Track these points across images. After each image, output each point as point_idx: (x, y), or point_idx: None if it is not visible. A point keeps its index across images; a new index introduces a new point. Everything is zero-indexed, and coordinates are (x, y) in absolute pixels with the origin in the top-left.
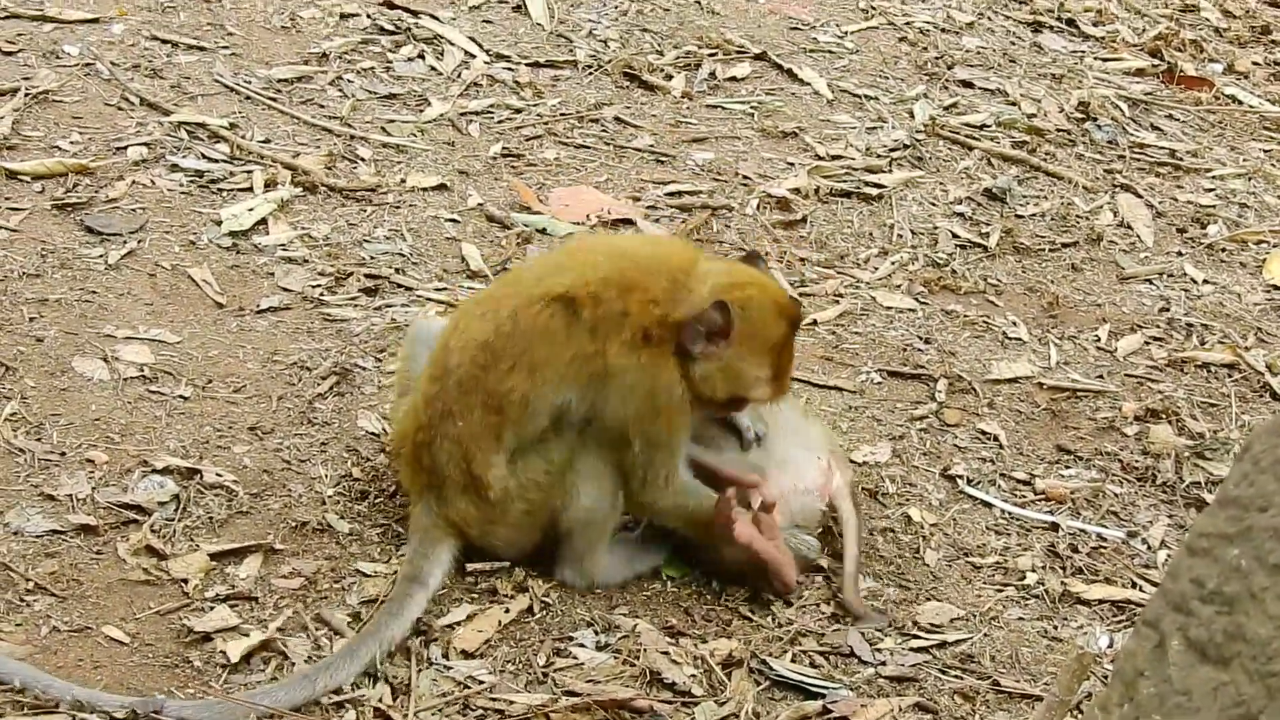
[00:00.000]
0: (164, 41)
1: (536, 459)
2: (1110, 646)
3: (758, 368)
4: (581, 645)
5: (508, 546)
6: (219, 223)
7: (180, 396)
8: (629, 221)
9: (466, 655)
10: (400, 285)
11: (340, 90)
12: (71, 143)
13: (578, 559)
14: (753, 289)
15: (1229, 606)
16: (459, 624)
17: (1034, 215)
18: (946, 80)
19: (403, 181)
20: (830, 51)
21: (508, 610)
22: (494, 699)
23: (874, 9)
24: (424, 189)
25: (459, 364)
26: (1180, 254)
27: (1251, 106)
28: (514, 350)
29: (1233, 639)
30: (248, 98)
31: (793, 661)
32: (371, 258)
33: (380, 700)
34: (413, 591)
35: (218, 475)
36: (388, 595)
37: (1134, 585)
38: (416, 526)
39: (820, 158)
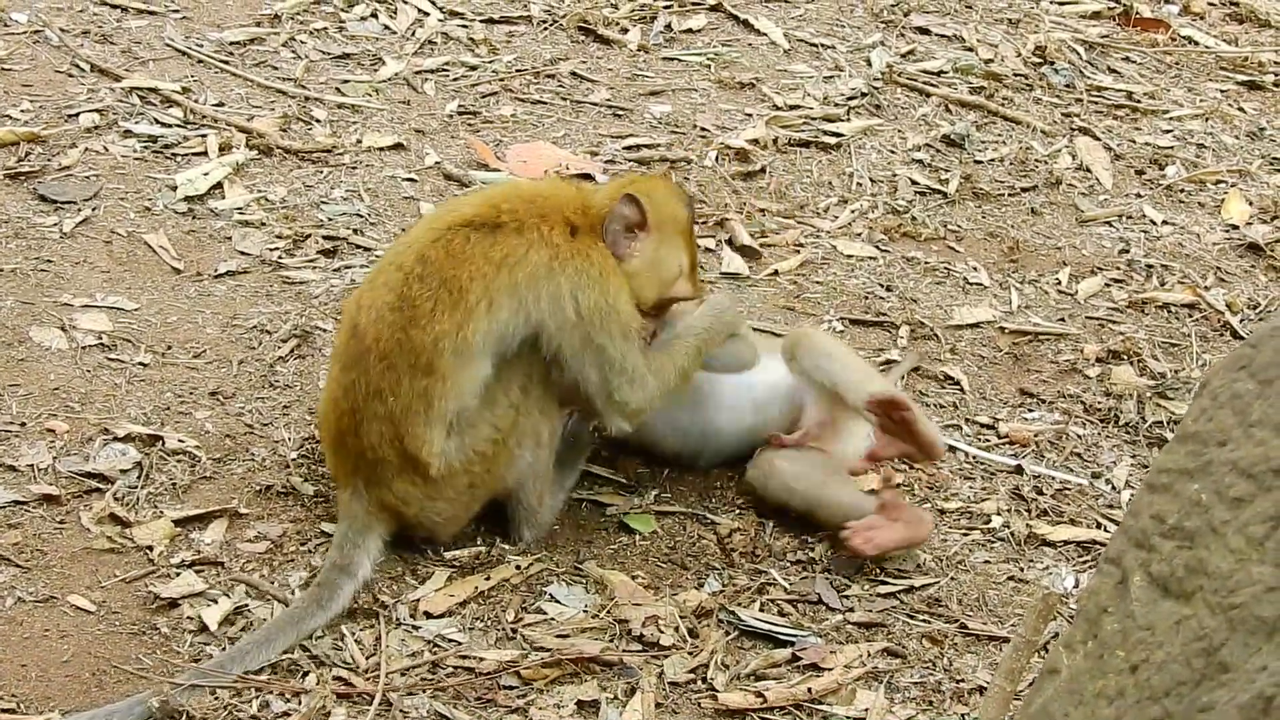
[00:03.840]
0: (113, 6)
1: (483, 426)
2: (1076, 587)
3: (679, 255)
4: (551, 600)
5: (446, 522)
6: (174, 188)
7: (140, 363)
8: (588, 176)
9: (435, 616)
10: (359, 246)
11: (293, 51)
12: (22, 111)
13: (531, 513)
14: (649, 181)
15: (1190, 541)
16: (438, 590)
17: (993, 160)
18: (903, 27)
19: (359, 142)
20: (786, 1)
21: (488, 578)
22: (464, 657)
23: None
24: (380, 149)
25: (376, 338)
26: (1139, 196)
27: (1207, 47)
28: (432, 289)
29: (1194, 573)
30: (200, 61)
31: (761, 611)
32: (329, 219)
33: (347, 661)
34: (341, 583)
35: (180, 441)
36: (314, 579)
37: (1098, 526)
38: (345, 513)
39: (778, 108)
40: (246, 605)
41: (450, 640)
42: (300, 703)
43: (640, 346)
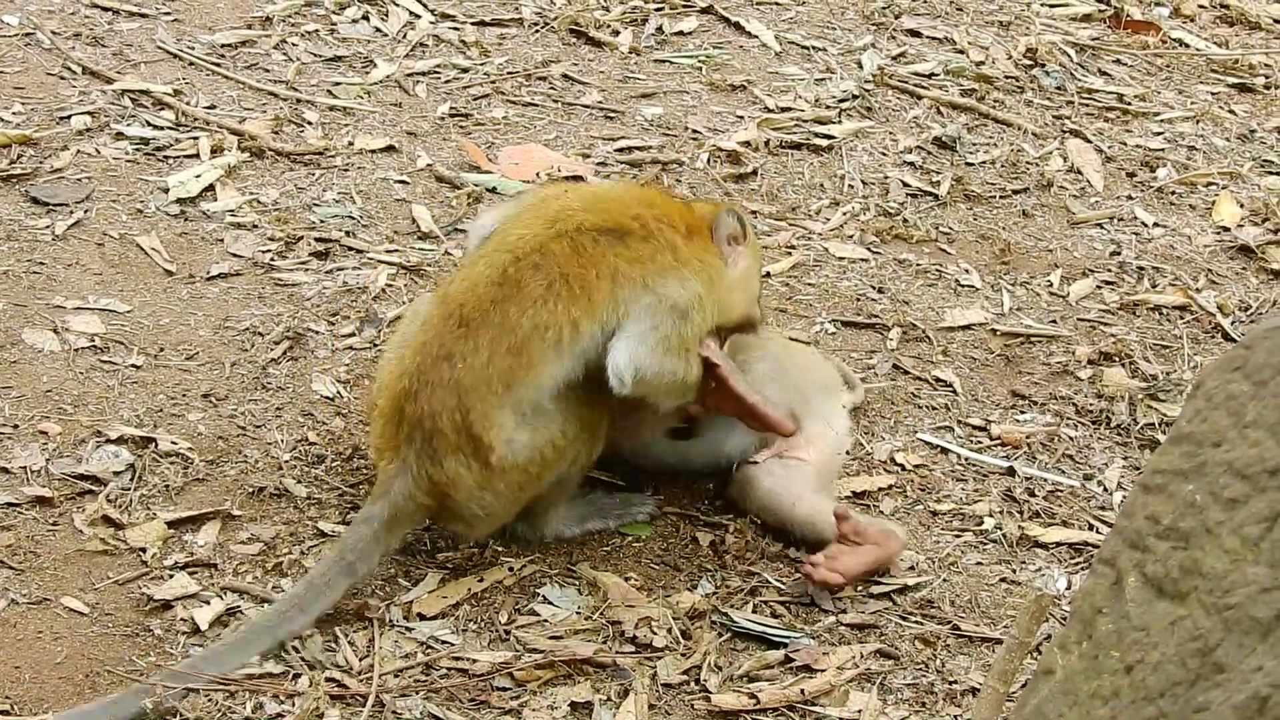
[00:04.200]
0: (104, 9)
1: (553, 427)
2: (1068, 589)
3: (759, 275)
4: (544, 602)
5: (488, 519)
6: (166, 190)
7: (132, 365)
8: (579, 178)
9: (428, 618)
10: (351, 248)
11: (285, 54)
12: (14, 113)
13: (537, 513)
14: (731, 205)
15: (1185, 542)
16: (431, 592)
17: (984, 163)
18: (894, 30)
19: (350, 144)
20: (777, 3)
21: (481, 580)
22: (457, 658)
23: None
24: (372, 151)
25: (461, 304)
26: (1130, 198)
27: (1198, 49)
28: (549, 278)
29: (1189, 574)
30: (191, 63)
31: (754, 612)
32: (321, 221)
33: (340, 663)
34: (335, 582)
35: (173, 443)
36: (309, 570)
37: (1090, 527)
38: (380, 492)
39: (769, 110)
40: (239, 607)
41: (443, 642)
42: (294, 704)
43: (690, 352)
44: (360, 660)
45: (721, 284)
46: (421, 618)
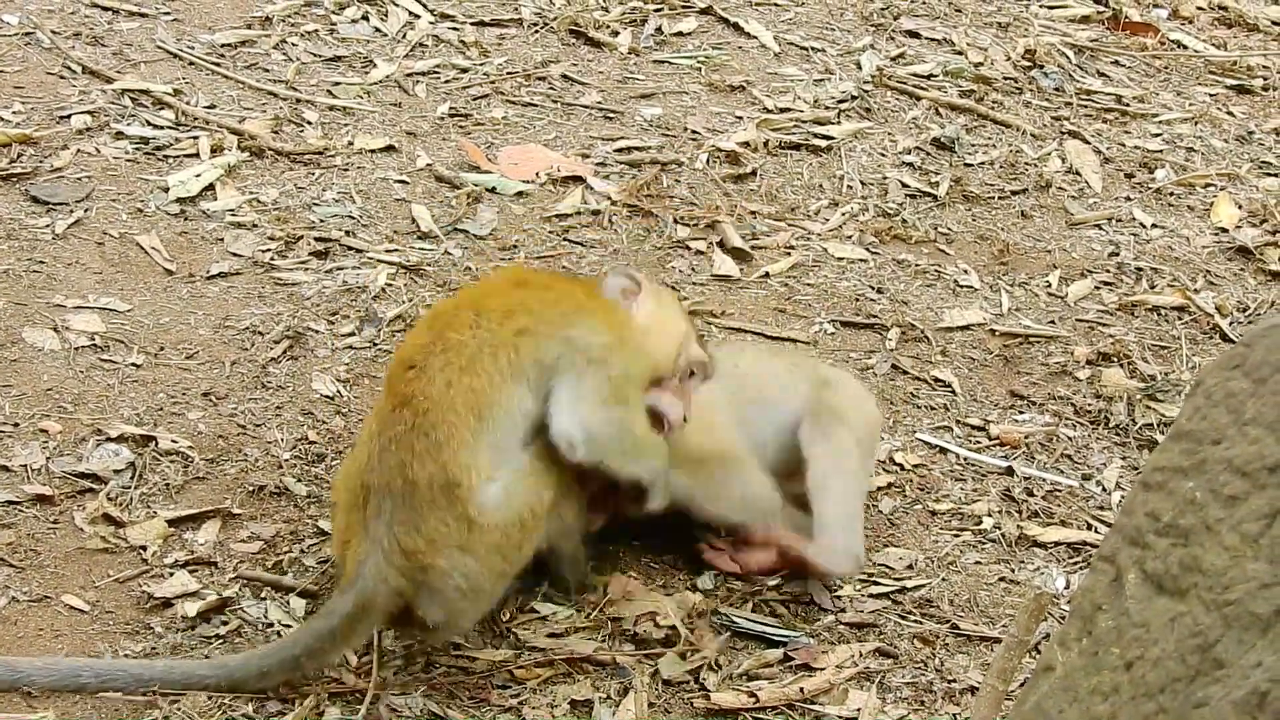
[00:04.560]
0: (104, 8)
1: (531, 491)
2: (1066, 588)
3: (678, 315)
4: (544, 600)
5: (471, 594)
6: (166, 189)
7: (132, 364)
8: (578, 179)
9: None
10: (351, 248)
11: (284, 54)
12: (14, 113)
13: (569, 562)
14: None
15: (1184, 539)
16: None
17: (983, 164)
18: (893, 31)
19: (350, 144)
20: (776, 4)
21: None
22: (457, 656)
23: None
24: (372, 151)
25: (401, 356)
26: (1129, 199)
27: (1196, 51)
28: (473, 314)
29: (1189, 570)
30: (191, 63)
31: (754, 611)
32: (321, 221)
33: (341, 660)
34: (270, 672)
35: (173, 442)
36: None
37: (1089, 527)
38: (351, 580)
39: (768, 111)
40: (231, 602)
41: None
42: (294, 702)
43: (629, 402)
44: (360, 658)
45: (634, 331)
46: None
